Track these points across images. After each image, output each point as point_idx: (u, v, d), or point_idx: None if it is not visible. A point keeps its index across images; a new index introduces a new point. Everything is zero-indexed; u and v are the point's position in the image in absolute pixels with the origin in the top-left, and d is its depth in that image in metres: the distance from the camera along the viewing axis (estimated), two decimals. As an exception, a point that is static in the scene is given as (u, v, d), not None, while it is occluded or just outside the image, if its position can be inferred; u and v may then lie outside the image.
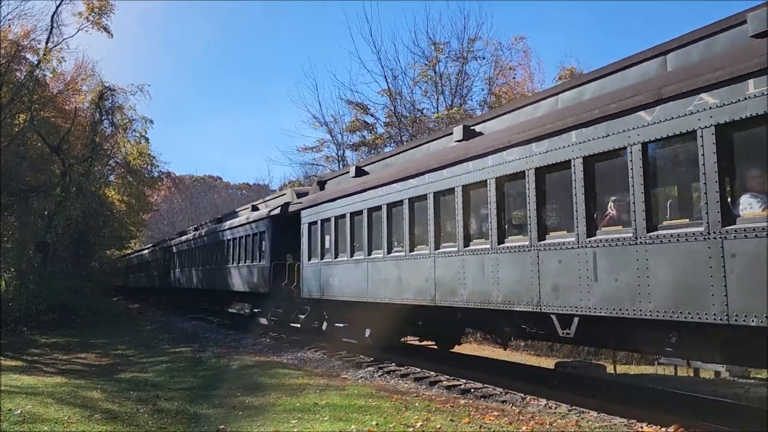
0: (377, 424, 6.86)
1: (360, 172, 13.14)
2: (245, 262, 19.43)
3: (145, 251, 40.75)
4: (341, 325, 13.40)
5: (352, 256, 12.44)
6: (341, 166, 30.84)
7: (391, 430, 6.68)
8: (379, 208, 11.51)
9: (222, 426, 7.10)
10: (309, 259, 14.48)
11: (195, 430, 7.09)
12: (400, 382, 10.42)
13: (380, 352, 12.36)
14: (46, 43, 26.17)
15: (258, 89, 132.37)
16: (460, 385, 9.74)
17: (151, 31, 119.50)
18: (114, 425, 7.26)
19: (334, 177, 15.02)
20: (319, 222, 14.04)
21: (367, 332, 12.43)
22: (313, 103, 74.59)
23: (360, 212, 12.18)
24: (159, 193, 49.72)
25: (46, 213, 26.07)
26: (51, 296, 22.04)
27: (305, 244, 14.72)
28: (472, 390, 9.36)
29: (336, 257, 13.10)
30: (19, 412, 7.79)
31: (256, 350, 15.11)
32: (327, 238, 13.70)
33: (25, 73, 25.78)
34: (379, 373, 11.15)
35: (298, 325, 15.26)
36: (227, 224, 22.38)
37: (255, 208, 21.04)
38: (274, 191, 39.00)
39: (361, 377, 10.90)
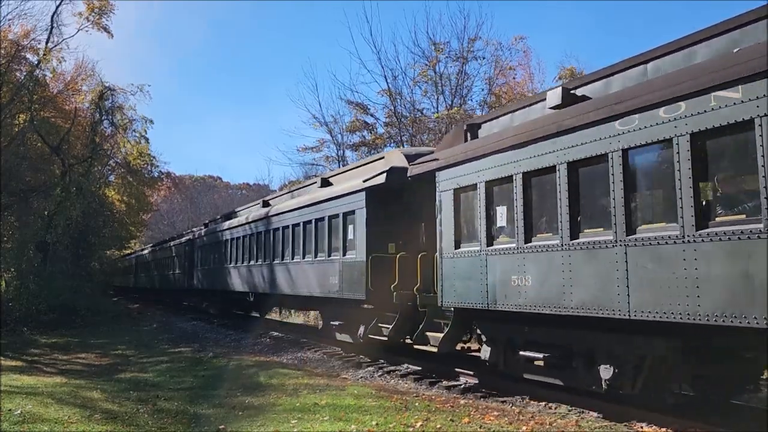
0: (377, 424, 6.87)
1: (571, 97, 7.99)
2: (317, 257, 14.19)
3: (160, 246, 36.42)
4: (533, 354, 8.08)
5: (575, 237, 7.27)
6: (341, 165, 30.82)
7: (391, 430, 6.69)
8: (663, 142, 6.25)
9: (222, 426, 7.11)
10: (457, 246, 9.40)
11: (195, 430, 7.09)
12: (400, 382, 10.42)
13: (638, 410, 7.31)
14: (46, 43, 26.21)
15: (258, 89, 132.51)
16: (460, 385, 9.74)
17: (151, 31, 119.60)
18: (114, 425, 7.26)
19: (501, 115, 9.65)
20: (480, 186, 8.81)
21: (607, 372, 7.16)
22: (313, 103, 74.58)
23: (599, 158, 6.95)
24: (159, 193, 49.80)
25: (46, 213, 26.07)
26: (51, 296, 22.01)
27: (448, 223, 9.60)
28: (472, 390, 9.37)
29: (528, 240, 7.94)
30: (19, 412, 7.80)
31: (256, 350, 15.10)
32: (501, 210, 8.59)
33: (25, 73, 25.80)
34: (379, 373, 11.15)
35: (434, 348, 10.37)
36: (286, 206, 16.69)
37: (326, 183, 15.26)
38: (274, 191, 38.84)
39: (361, 377, 10.90)
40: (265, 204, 19.55)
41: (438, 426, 6.80)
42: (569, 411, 7.72)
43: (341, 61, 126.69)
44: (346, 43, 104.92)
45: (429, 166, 10.41)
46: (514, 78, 27.98)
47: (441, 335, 10.12)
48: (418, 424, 6.83)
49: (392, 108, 28.79)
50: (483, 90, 28.93)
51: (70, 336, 19.04)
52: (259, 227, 18.46)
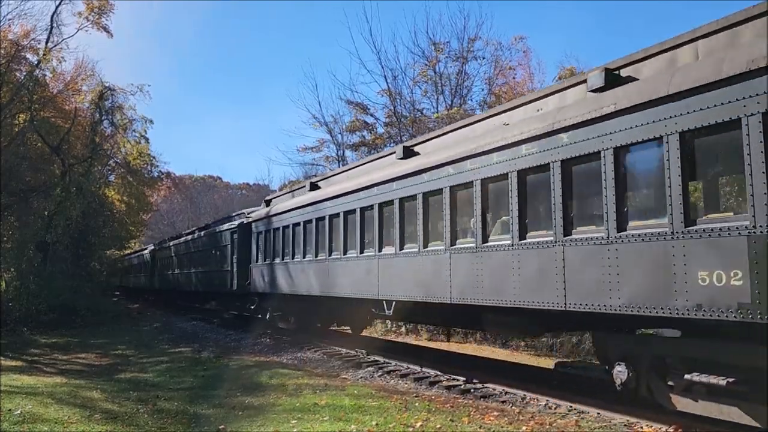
0: (377, 424, 6.87)
1: None
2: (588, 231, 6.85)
3: (197, 234, 26.85)
4: None
5: None
6: (341, 166, 30.87)
7: (391, 430, 6.69)
8: None
9: (222, 426, 7.11)
10: None
11: (195, 430, 7.09)
12: (400, 382, 10.42)
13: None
14: (46, 43, 26.25)
15: (258, 89, 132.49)
16: (460, 385, 9.74)
17: (150, 31, 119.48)
18: (114, 425, 7.26)
19: None
20: None
21: None
22: (313, 103, 74.48)
23: None
24: (159, 193, 49.86)
25: (46, 213, 26.08)
26: (51, 296, 22.02)
27: None
28: (472, 390, 9.36)
29: None
30: (19, 412, 7.80)
31: (256, 350, 15.09)
32: None
33: (25, 73, 25.82)
34: (379, 373, 11.14)
35: None
36: (473, 148, 8.70)
37: (614, 77, 6.77)
38: (274, 191, 38.58)
39: (361, 377, 10.90)
40: (408, 152, 11.32)
41: (438, 426, 6.79)
42: (569, 411, 7.72)
43: (341, 61, 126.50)
44: (346, 43, 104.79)
45: None
46: (514, 78, 28.03)
47: None
48: (418, 424, 6.83)
49: (392, 108, 28.85)
50: (483, 90, 29.02)
51: (70, 336, 19.04)
52: (412, 188, 10.43)
